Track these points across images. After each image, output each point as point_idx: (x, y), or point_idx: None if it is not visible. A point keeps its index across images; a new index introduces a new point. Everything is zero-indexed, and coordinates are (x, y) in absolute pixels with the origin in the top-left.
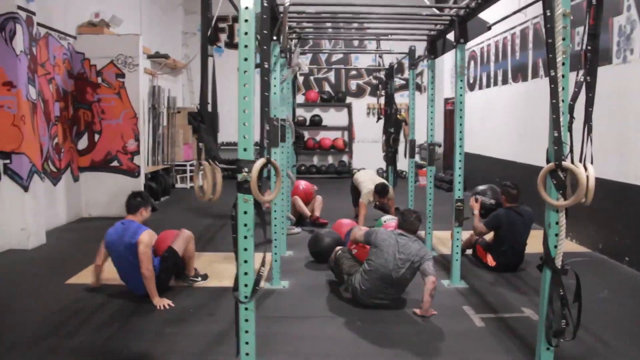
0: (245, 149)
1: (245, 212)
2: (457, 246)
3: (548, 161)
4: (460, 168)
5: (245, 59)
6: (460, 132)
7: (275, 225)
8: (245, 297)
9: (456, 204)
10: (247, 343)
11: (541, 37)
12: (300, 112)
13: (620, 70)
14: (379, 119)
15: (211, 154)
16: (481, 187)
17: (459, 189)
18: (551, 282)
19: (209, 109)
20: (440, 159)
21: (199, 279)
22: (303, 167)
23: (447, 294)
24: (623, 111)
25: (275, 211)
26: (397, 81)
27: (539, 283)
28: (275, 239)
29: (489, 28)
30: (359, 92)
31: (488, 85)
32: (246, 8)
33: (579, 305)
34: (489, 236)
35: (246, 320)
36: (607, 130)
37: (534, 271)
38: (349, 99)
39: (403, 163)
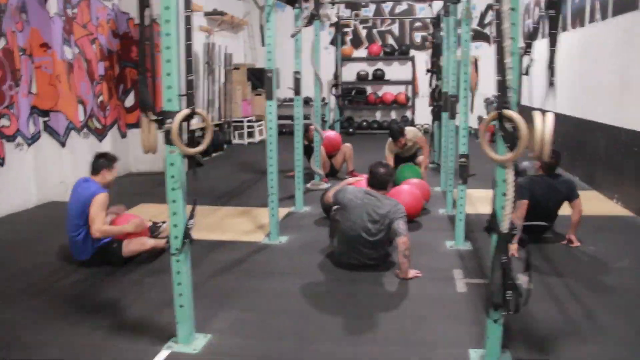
0: (169, 100)
1: (172, 164)
2: (462, 205)
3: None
4: (465, 121)
5: (167, 8)
6: (465, 81)
7: (271, 180)
8: (176, 249)
9: (460, 160)
10: (180, 295)
11: None
12: (363, 66)
13: None
14: (427, 71)
15: (145, 105)
16: (525, 163)
17: (464, 144)
18: (495, 248)
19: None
20: None
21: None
22: (365, 123)
23: (444, 256)
24: None
25: (271, 165)
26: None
27: (553, 252)
28: (272, 194)
29: None
30: (424, 45)
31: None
32: None
33: (528, 277)
34: None
35: (178, 273)
36: None
37: (559, 240)
38: (412, 52)
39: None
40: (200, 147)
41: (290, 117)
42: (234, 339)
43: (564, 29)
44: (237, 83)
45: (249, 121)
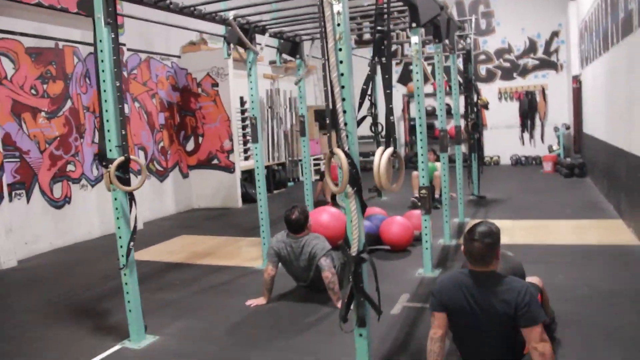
0: (110, 150)
1: (116, 199)
2: (426, 234)
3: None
4: (422, 147)
5: (103, 81)
6: (419, 109)
7: (261, 212)
8: (123, 264)
9: (421, 192)
10: (129, 302)
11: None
12: (430, 101)
13: None
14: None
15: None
16: None
17: (423, 176)
18: (345, 269)
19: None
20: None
21: None
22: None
23: (405, 282)
24: None
25: (261, 199)
26: (530, 61)
27: None
28: (263, 225)
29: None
30: (489, 77)
31: (595, 58)
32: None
33: (365, 296)
34: None
35: (126, 284)
36: None
37: None
38: (478, 85)
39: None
40: (134, 187)
41: (365, 154)
42: (176, 341)
43: (599, 53)
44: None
45: (316, 159)
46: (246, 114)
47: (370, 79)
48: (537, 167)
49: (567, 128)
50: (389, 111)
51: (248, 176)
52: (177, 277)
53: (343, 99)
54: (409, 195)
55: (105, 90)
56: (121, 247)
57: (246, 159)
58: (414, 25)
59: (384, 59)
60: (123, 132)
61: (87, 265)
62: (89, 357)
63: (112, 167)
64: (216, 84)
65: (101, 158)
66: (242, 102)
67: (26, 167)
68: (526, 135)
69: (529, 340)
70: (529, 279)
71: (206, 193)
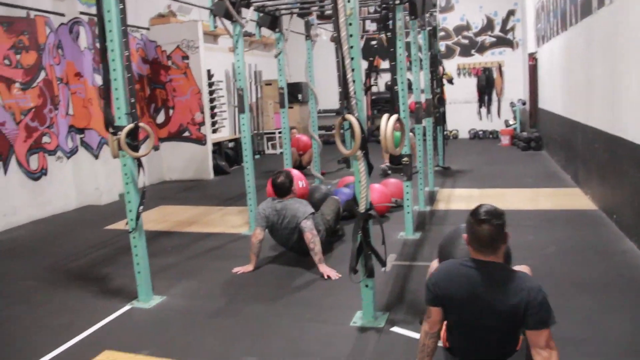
0: (119, 118)
1: (125, 165)
2: (408, 199)
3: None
4: (405, 117)
5: (112, 50)
6: (402, 82)
7: (248, 180)
8: (132, 228)
9: (403, 160)
10: (138, 264)
11: None
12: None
13: None
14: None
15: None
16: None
17: (406, 145)
18: (355, 224)
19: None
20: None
21: None
22: None
23: (390, 244)
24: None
25: (247, 168)
26: (488, 38)
27: None
28: (250, 192)
29: None
30: (449, 53)
31: (551, 36)
32: None
33: (372, 249)
34: None
35: (135, 247)
36: None
37: None
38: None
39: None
40: (142, 152)
41: (328, 128)
42: (183, 300)
43: (557, 32)
44: (269, 98)
45: (280, 132)
46: (214, 87)
47: (375, 52)
48: (494, 141)
49: (524, 103)
50: (394, 82)
51: (218, 148)
52: (167, 244)
53: (352, 70)
54: (379, 164)
55: (114, 60)
56: (130, 211)
57: (214, 131)
58: (397, 2)
59: (389, 33)
60: (132, 100)
61: (70, 236)
62: (101, 317)
63: (123, 133)
64: (187, 57)
65: (108, 125)
66: (210, 76)
67: (2, 138)
68: (484, 110)
69: (534, 344)
70: (517, 267)
71: (178, 165)
